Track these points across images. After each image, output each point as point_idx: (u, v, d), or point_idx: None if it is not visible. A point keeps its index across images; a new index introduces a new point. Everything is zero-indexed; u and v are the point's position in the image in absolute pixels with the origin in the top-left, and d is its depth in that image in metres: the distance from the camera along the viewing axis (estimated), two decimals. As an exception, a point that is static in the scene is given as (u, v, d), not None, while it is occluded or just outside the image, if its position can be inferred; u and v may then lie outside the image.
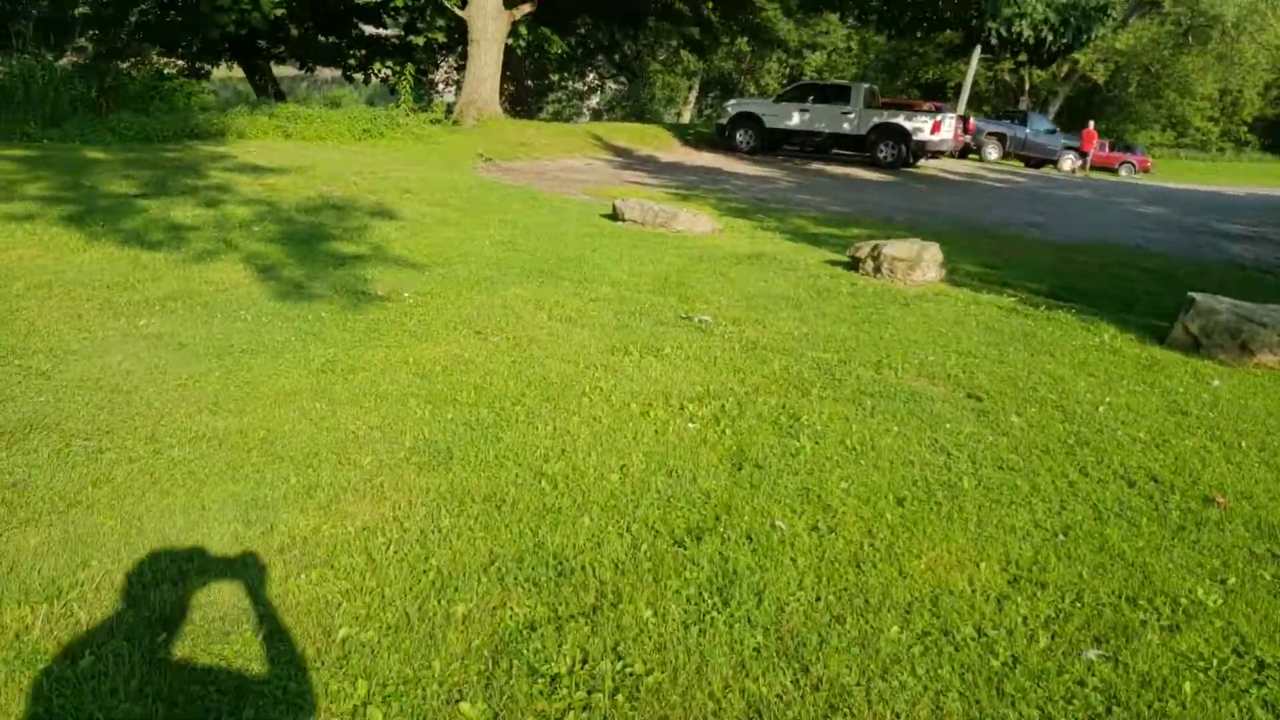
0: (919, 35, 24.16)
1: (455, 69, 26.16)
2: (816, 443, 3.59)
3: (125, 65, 15.57)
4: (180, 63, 19.91)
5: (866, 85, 21.87)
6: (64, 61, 17.95)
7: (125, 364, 3.95)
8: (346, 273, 5.79)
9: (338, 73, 22.75)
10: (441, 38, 20.61)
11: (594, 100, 41.19)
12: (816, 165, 19.59)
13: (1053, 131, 28.96)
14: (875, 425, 3.83)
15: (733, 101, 23.82)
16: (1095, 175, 26.60)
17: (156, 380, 3.80)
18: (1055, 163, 27.84)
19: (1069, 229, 11.78)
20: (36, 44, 16.50)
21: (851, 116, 20.22)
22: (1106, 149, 29.44)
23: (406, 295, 5.38)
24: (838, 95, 20.98)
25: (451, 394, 3.88)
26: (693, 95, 44.68)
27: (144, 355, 4.07)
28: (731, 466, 3.34)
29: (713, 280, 6.46)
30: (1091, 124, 27.87)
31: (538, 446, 3.40)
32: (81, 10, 21.59)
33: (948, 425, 3.88)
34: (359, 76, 22.31)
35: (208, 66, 20.74)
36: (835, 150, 21.06)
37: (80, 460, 3.07)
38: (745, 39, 29.37)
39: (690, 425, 3.69)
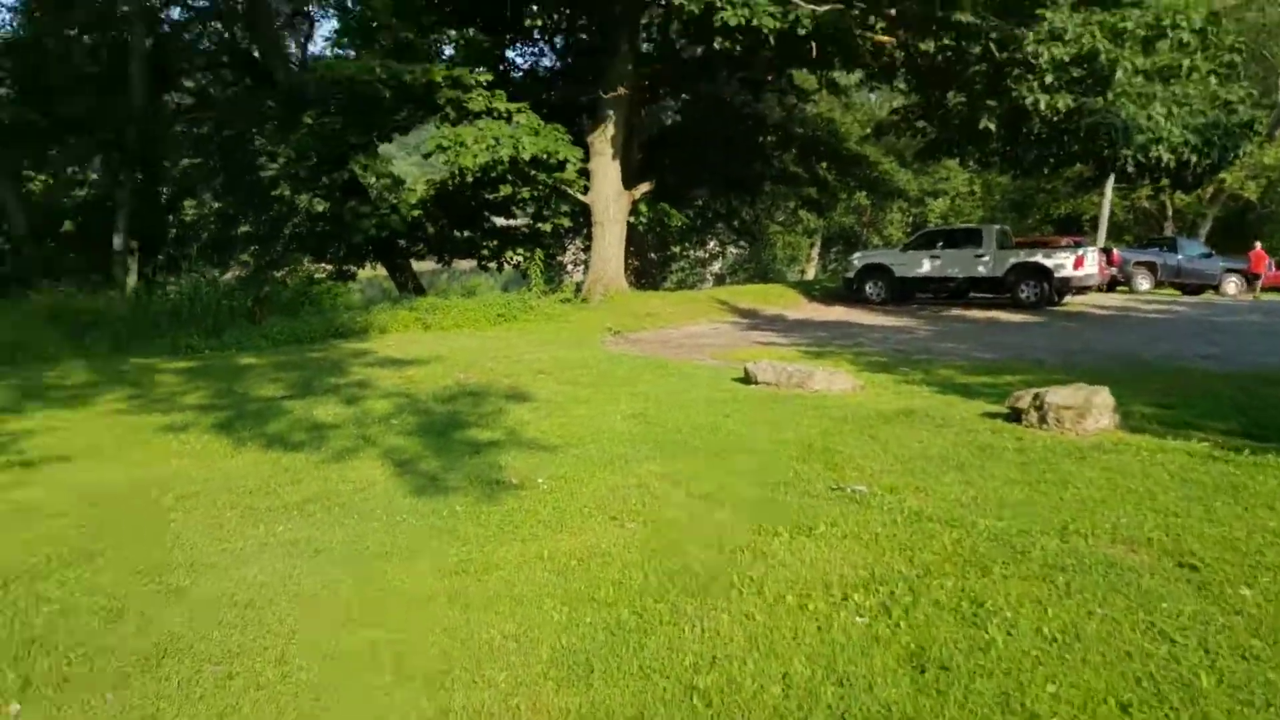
0: (1045, 172, 23.67)
1: (582, 249, 27.38)
2: (1009, 634, 3.09)
3: (280, 274, 16.97)
4: (329, 267, 21.56)
5: (998, 226, 21.42)
6: (228, 276, 19.81)
7: (260, 576, 3.87)
8: (481, 461, 5.71)
9: (473, 263, 24.06)
10: (567, 223, 21.66)
11: (716, 266, 42.12)
12: (954, 311, 19.03)
13: (1208, 255, 27.32)
14: (1075, 608, 3.29)
15: (858, 254, 23.76)
16: (1266, 297, 24.78)
17: (290, 592, 3.69)
18: (1216, 287, 26.12)
19: (1247, 357, 10.77)
20: (204, 262, 18.35)
21: (986, 259, 19.73)
22: (1274, 268, 27.43)
23: (541, 481, 5.22)
24: (968, 239, 20.60)
25: (589, 592, 3.60)
26: (815, 251, 45.11)
27: (279, 565, 3.99)
28: (912, 669, 2.87)
29: (861, 443, 6.06)
30: (1259, 244, 26.15)
31: (685, 653, 3.04)
32: (243, 229, 23.99)
33: (1163, 604, 3.30)
34: (492, 265, 23.52)
35: (354, 268, 22.35)
36: (972, 294, 20.48)
37: (209, 689, 2.92)
38: (863, 193, 29.68)
39: (857, 619, 3.25)
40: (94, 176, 23.10)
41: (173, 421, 6.86)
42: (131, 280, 18.91)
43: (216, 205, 25.44)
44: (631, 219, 20.47)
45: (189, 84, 24.46)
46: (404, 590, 3.70)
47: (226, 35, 23.06)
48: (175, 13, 22.85)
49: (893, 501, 4.70)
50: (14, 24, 21.84)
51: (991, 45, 15.16)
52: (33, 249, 19.47)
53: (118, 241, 19.22)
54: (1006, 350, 11.80)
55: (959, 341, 13.23)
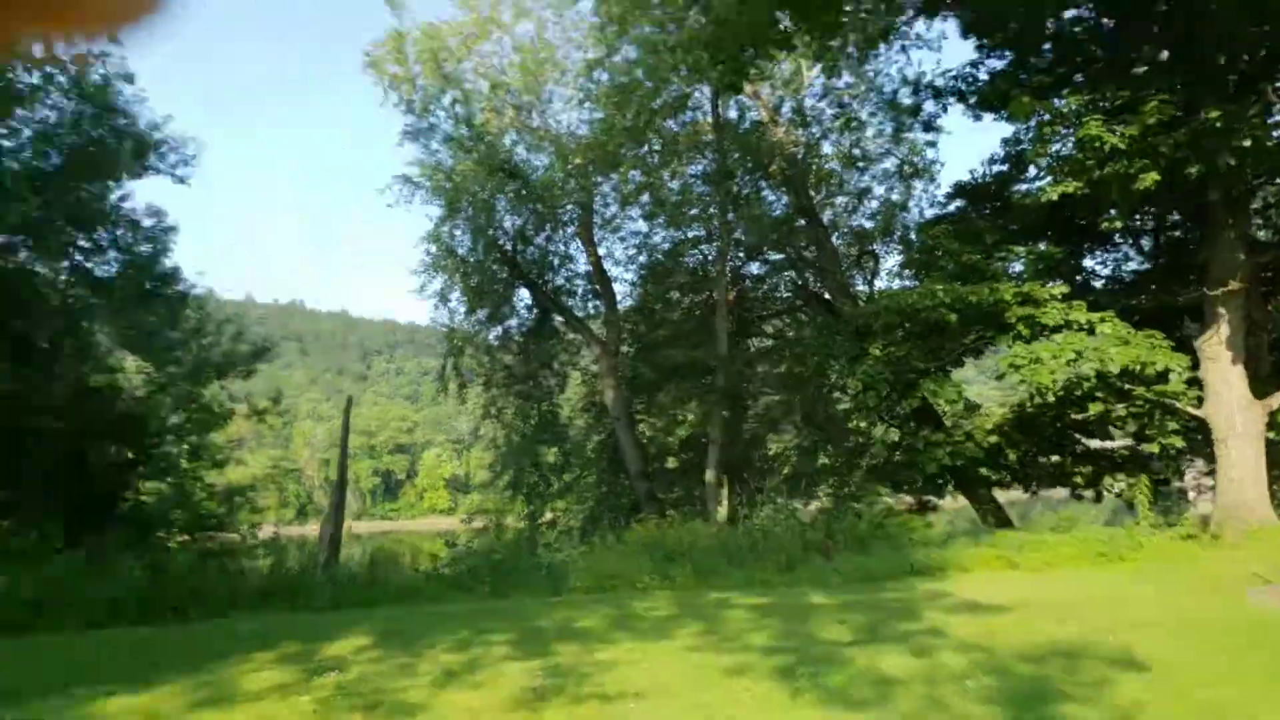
0: None
1: (1204, 474, 22.98)
2: None
3: (857, 506, 16.86)
4: (908, 499, 20.98)
5: None
6: (811, 507, 20.42)
7: None
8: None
9: (1065, 491, 21.67)
10: (1180, 442, 18.37)
11: None
12: None
13: None
14: None
15: None
16: None
17: None
18: None
19: None
20: (786, 494, 19.26)
21: None
22: None
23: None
24: None
25: None
26: None
27: None
28: None
29: None
30: None
31: None
32: (822, 461, 24.92)
33: None
34: (1088, 493, 20.87)
35: (934, 499, 21.44)
36: None
37: None
38: None
39: None
40: (690, 417, 26.63)
41: (736, 662, 6.67)
42: (722, 512, 20.52)
43: (796, 439, 27.17)
44: (1271, 434, 16.66)
45: (767, 328, 27.50)
46: None
47: (799, 281, 25.43)
48: (754, 268, 26.32)
49: None
50: (632, 295, 27.12)
51: None
52: (644, 484, 22.57)
53: (709, 475, 21.33)
54: None
55: None
